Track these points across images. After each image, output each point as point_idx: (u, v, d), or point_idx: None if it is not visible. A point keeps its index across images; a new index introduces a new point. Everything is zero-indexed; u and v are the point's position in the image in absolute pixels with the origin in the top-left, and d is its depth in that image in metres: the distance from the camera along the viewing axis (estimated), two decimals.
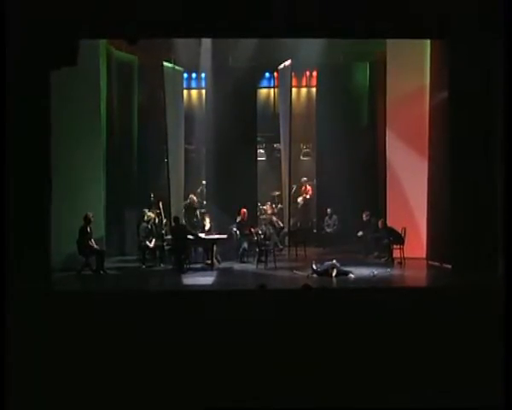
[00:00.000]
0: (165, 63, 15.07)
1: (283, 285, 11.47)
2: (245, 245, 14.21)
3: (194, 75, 17.95)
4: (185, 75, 17.01)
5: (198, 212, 16.29)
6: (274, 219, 15.62)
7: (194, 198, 16.22)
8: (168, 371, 6.47)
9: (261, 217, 17.25)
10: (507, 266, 6.71)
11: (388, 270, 12.82)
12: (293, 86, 16.88)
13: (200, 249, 14.34)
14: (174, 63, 15.56)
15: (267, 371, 6.27)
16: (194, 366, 6.49)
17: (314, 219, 17.57)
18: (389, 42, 14.12)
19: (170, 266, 13.28)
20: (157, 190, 15.30)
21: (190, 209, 15.82)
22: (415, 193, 14.00)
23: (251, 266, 13.59)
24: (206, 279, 12.20)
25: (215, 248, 13.51)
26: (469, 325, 6.60)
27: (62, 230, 11.96)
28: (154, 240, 13.62)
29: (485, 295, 7.12)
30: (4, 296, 6.53)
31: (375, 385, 6.13)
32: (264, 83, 18.57)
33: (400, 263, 13.47)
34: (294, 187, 17.51)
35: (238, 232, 14.63)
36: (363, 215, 15.07)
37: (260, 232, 14.00)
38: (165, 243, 13.97)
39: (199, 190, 17.46)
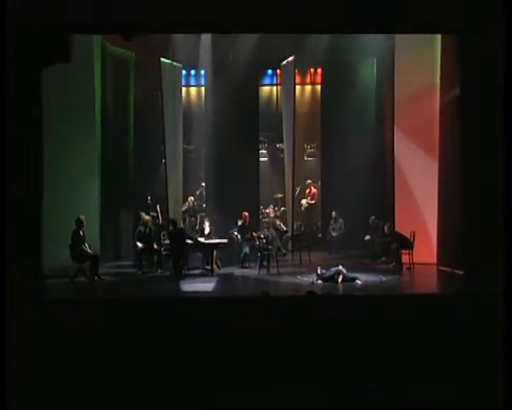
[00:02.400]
0: (163, 59, 15.08)
1: (287, 292, 11.44)
2: (246, 250, 14.19)
3: (193, 72, 17.99)
4: (184, 72, 17.04)
5: (198, 215, 16.31)
6: (277, 222, 15.61)
7: (192, 199, 16.26)
8: (165, 381, 6.46)
9: (263, 220, 17.26)
10: (507, 270, 6.72)
11: (397, 276, 12.79)
12: (297, 83, 16.88)
13: (200, 254, 14.32)
14: (172, 59, 15.57)
15: (270, 381, 6.26)
16: (193, 377, 6.48)
17: (319, 223, 17.57)
18: (398, 37, 14.10)
19: (168, 272, 13.26)
20: (154, 191, 15.30)
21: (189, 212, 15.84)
22: (424, 195, 13.97)
23: (253, 272, 13.56)
24: (206, 286, 12.17)
25: (215, 252, 13.49)
26: (482, 332, 6.59)
27: (54, 234, 11.92)
28: (150, 244, 13.59)
29: (498, 301, 7.09)
30: (4, 301, 6.55)
31: (380, 392, 6.13)
32: (267, 80, 18.60)
33: (409, 269, 13.45)
34: (298, 189, 17.50)
35: (239, 236, 14.62)
36: (371, 219, 15.06)
37: (262, 236, 13.98)
38: (162, 248, 13.96)
39: (198, 192, 17.47)
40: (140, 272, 13.36)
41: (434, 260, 13.75)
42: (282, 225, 15.62)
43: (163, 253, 13.91)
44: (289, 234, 15.70)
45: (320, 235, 17.15)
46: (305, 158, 18.69)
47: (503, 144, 7.52)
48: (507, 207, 7.10)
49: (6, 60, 8.55)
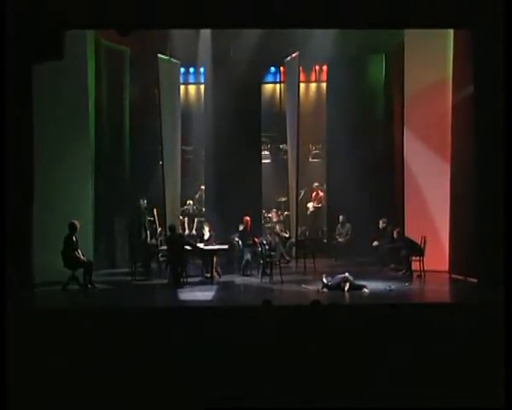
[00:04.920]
0: (161, 56, 15.09)
1: (290, 301, 11.42)
2: (248, 256, 14.18)
3: (191, 69, 17.99)
4: (182, 69, 17.04)
5: (197, 220, 16.32)
6: (277, 228, 15.58)
7: (191, 203, 16.29)
8: (161, 392, 6.45)
9: (266, 225, 17.24)
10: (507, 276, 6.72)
11: (406, 284, 12.78)
12: (301, 81, 16.90)
13: (199, 261, 14.32)
14: (170, 56, 15.59)
15: (272, 395, 6.25)
16: (190, 390, 6.47)
17: (324, 228, 17.55)
18: (407, 32, 14.11)
19: (165, 280, 13.25)
20: (151, 195, 15.29)
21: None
22: (435, 198, 13.95)
23: (255, 280, 13.55)
24: (206, 294, 12.17)
25: (215, 259, 13.49)
26: (495, 343, 6.57)
27: (46, 240, 11.94)
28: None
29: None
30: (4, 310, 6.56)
31: (388, 402, 6.14)
32: (270, 78, 18.59)
33: (420, 276, 13.42)
34: (303, 192, 17.50)
35: (240, 242, 14.62)
36: (379, 223, 15.06)
37: (265, 242, 13.95)
38: (159, 255, 13.95)
39: (197, 195, 17.47)
40: (136, 280, 13.37)
41: (446, 267, 13.72)
42: (283, 232, 15.58)
43: (160, 260, 13.91)
44: (293, 240, 15.69)
45: (325, 241, 17.13)
46: (310, 160, 18.69)
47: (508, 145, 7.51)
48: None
49: None
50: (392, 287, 12.17)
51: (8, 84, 9.85)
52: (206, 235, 14.33)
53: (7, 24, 9.32)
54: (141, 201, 14.43)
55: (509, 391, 5.90)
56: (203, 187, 17.33)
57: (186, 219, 16.89)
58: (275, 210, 17.78)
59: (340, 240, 16.17)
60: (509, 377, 5.99)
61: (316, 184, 17.83)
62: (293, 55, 15.83)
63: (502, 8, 9.42)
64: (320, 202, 17.72)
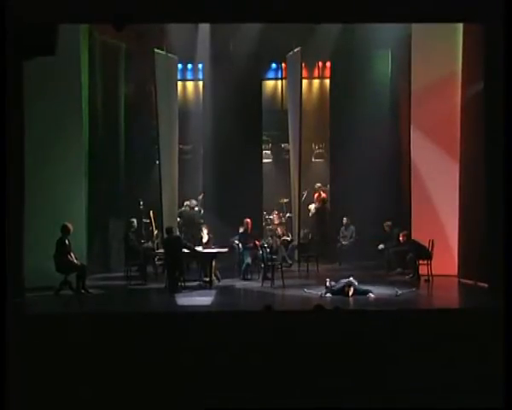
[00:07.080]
0: (157, 51, 15.08)
1: (292, 306, 11.44)
2: (248, 260, 14.18)
3: (189, 65, 17.99)
4: (180, 65, 17.03)
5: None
6: (278, 230, 15.57)
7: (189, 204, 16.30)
8: (160, 401, 6.45)
9: (267, 228, 17.23)
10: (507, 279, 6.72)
11: (413, 289, 12.77)
12: (304, 78, 16.87)
13: (198, 265, 14.31)
14: (167, 51, 15.57)
15: (272, 400, 6.24)
16: (190, 396, 6.47)
17: (328, 231, 17.53)
18: (414, 26, 14.09)
19: (162, 285, 13.25)
20: (147, 196, 15.29)
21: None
22: (444, 200, 13.94)
23: (255, 284, 13.56)
24: (204, 299, 12.17)
25: (214, 263, 13.49)
26: (506, 349, 6.56)
27: (37, 243, 11.94)
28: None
29: None
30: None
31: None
32: (271, 74, 18.60)
33: (427, 281, 13.41)
34: (305, 193, 17.48)
35: (240, 245, 14.61)
36: (385, 226, 15.05)
37: (266, 245, 13.96)
38: (156, 258, 13.94)
39: (200, 196, 17.44)
40: (131, 285, 13.39)
41: (455, 271, 13.72)
42: (285, 236, 15.56)
43: (157, 263, 13.90)
44: (295, 243, 15.67)
45: (329, 243, 17.11)
46: (313, 159, 18.69)
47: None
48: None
49: None
50: (399, 292, 12.16)
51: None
52: (205, 237, 14.32)
53: (6, 21, 9.32)
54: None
55: (509, 391, 5.93)
56: (201, 190, 17.32)
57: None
58: (276, 212, 17.79)
59: (343, 243, 16.16)
60: (509, 377, 6.02)
61: (318, 184, 17.82)
62: (296, 50, 15.80)
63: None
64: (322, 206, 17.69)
